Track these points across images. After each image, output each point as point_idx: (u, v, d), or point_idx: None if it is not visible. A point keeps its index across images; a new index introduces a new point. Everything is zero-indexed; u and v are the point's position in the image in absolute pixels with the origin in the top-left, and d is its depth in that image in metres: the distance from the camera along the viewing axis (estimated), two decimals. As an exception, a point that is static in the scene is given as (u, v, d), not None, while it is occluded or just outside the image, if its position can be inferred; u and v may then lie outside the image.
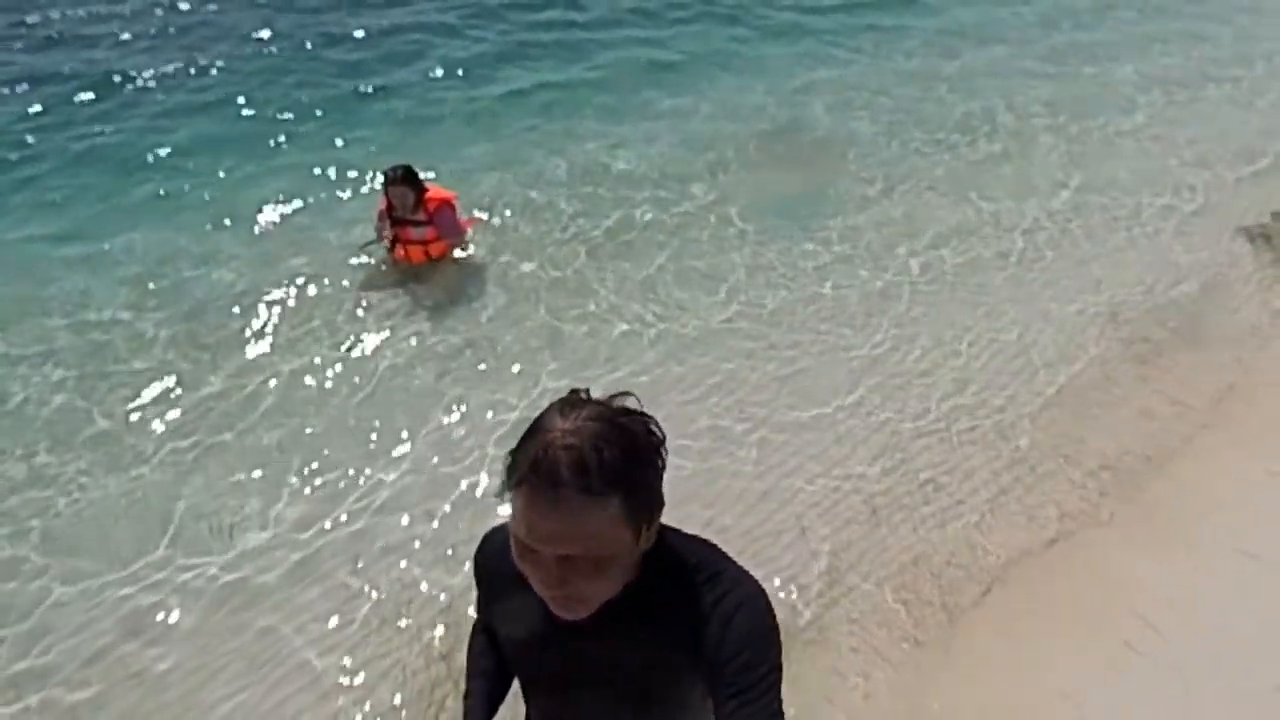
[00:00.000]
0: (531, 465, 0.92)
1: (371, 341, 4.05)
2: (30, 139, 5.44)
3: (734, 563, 1.13)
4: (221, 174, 5.26)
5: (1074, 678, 2.58)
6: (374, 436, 3.52)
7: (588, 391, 1.00)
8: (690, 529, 1.17)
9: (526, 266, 4.53)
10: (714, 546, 1.16)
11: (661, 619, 1.07)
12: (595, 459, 0.91)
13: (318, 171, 5.32)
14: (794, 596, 2.87)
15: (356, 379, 3.82)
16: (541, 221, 4.86)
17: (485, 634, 1.39)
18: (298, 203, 5.00)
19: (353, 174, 5.24)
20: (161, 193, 5.04)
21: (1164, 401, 3.66)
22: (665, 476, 1.02)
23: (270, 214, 4.90)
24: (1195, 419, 3.57)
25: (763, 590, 1.10)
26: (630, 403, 1.00)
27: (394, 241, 4.40)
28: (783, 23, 7.58)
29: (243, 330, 4.08)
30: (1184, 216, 5.04)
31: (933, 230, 4.82)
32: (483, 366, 3.89)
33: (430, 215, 4.33)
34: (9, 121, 5.65)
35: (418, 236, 4.38)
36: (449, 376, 3.84)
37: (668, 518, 1.07)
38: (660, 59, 6.81)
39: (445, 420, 3.60)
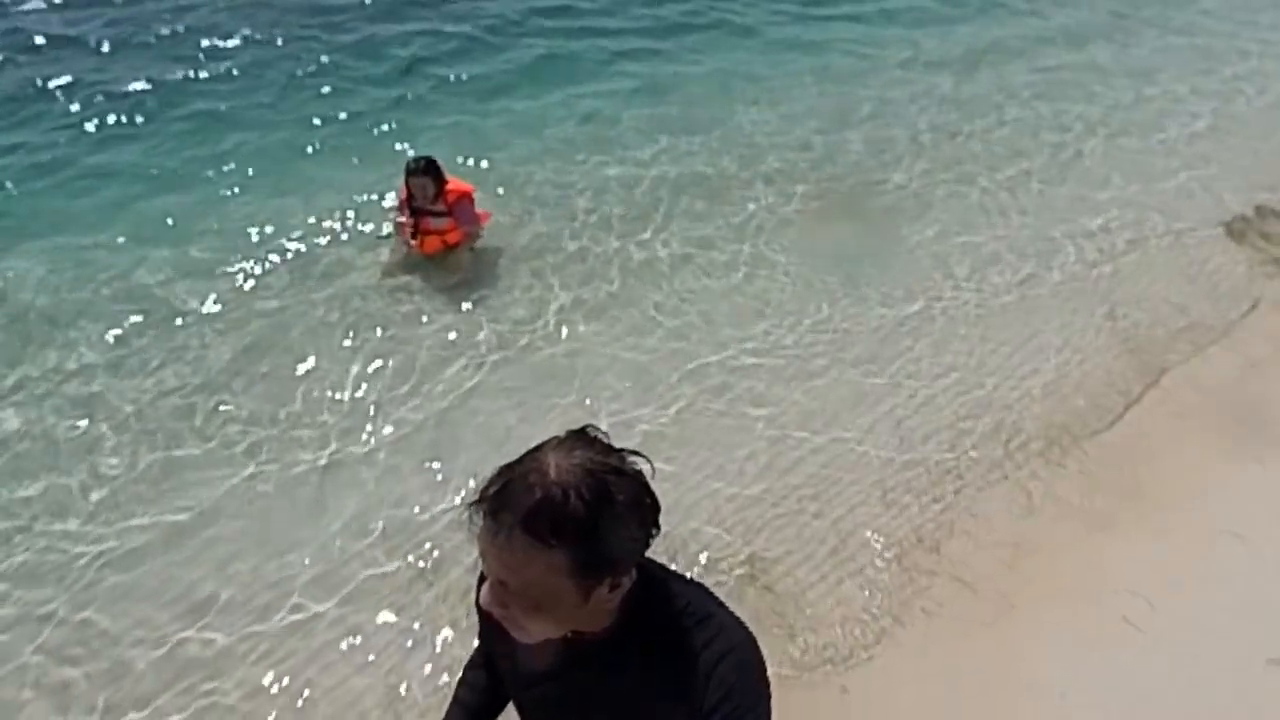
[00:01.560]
0: (497, 489, 0.91)
1: (385, 329, 4.15)
2: (45, 151, 5.40)
3: (724, 607, 1.11)
4: (248, 170, 5.31)
5: (1074, 650, 2.75)
6: (385, 420, 3.64)
7: (604, 435, 0.97)
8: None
9: (541, 262, 4.63)
10: (705, 589, 1.14)
11: (647, 662, 1.05)
12: (553, 506, 0.88)
13: (338, 167, 5.39)
14: (802, 566, 3.05)
15: (370, 364, 3.93)
16: (557, 222, 4.94)
17: (481, 667, 1.40)
18: (319, 193, 5.07)
19: (370, 172, 5.28)
20: (188, 193, 5.08)
21: (1158, 393, 3.85)
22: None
23: (291, 203, 4.96)
24: (1186, 410, 3.76)
25: (752, 637, 1.09)
26: (641, 465, 0.96)
27: (413, 231, 4.48)
28: (799, 35, 7.53)
29: (259, 321, 4.16)
30: (1185, 226, 5.19)
31: (957, 242, 4.94)
32: (493, 357, 4.00)
33: (450, 206, 4.42)
34: (31, 132, 5.60)
35: (436, 227, 4.47)
36: (461, 365, 3.95)
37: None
38: (669, 73, 6.79)
39: (452, 402, 3.73)
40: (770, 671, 1.08)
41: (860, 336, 4.20)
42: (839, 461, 3.49)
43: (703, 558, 3.04)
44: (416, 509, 3.27)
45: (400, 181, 4.42)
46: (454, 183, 4.45)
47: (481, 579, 1.20)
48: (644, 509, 0.95)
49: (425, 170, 4.30)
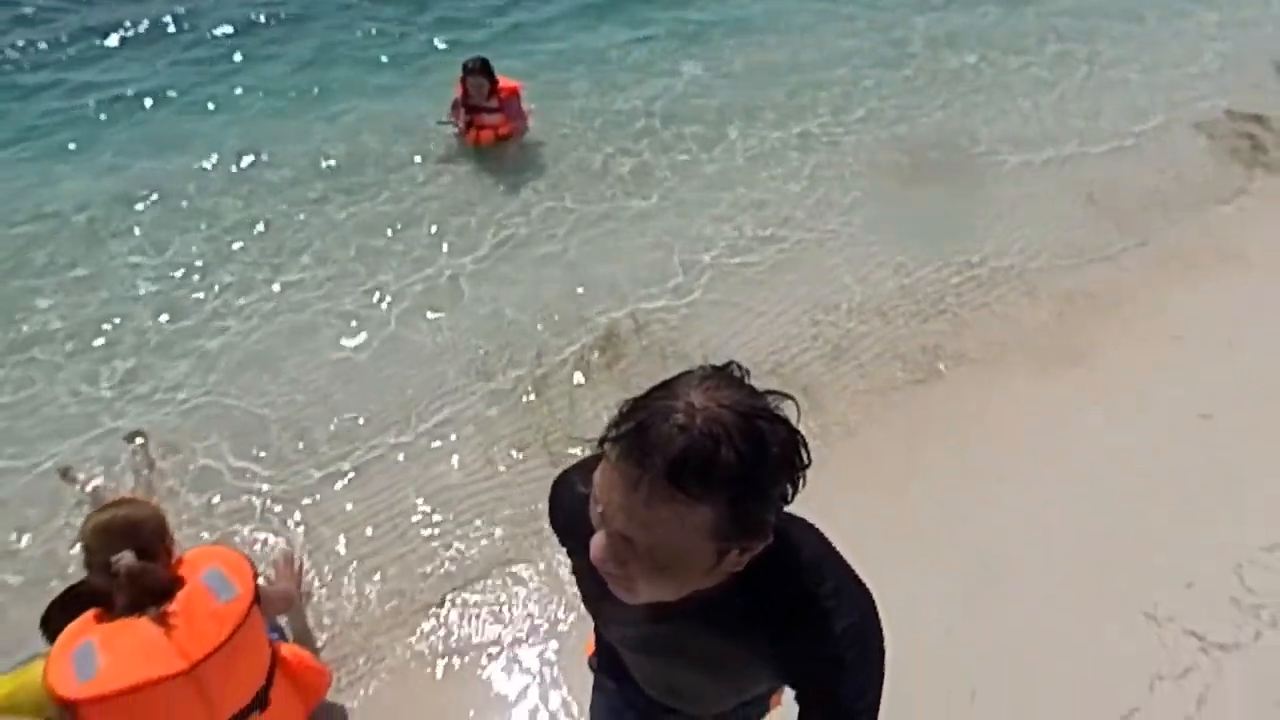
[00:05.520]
0: (634, 429, 0.79)
1: (445, 208, 4.76)
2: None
3: (847, 568, 1.00)
4: (331, 88, 5.94)
5: (1039, 408, 3.41)
6: (445, 281, 4.24)
7: (746, 373, 0.85)
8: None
9: (579, 154, 5.22)
10: (828, 545, 1.02)
11: (758, 624, 0.96)
12: (704, 454, 0.76)
13: (400, 68, 6.09)
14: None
15: (431, 239, 4.53)
16: (599, 125, 5.50)
17: None
18: (382, 93, 5.75)
19: (425, 73, 5.97)
20: (286, 104, 5.74)
21: (1134, 250, 4.44)
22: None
23: (359, 104, 5.64)
24: (1150, 259, 4.38)
25: (874, 606, 0.98)
26: (788, 409, 0.84)
27: (467, 126, 5.08)
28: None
29: (337, 206, 4.78)
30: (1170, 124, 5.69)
31: (975, 131, 5.51)
32: (534, 228, 4.62)
33: (501, 103, 5.02)
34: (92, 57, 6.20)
35: (489, 121, 5.07)
36: (509, 240, 4.55)
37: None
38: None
39: (499, 275, 4.31)
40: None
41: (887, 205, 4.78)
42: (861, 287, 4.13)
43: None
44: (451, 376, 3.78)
45: (456, 81, 5.02)
46: (504, 81, 5.04)
47: (552, 501, 1.16)
48: (796, 461, 0.82)
49: (480, 70, 4.89)
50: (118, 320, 3.96)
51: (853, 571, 1.00)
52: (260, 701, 2.03)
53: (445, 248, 4.45)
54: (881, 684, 0.96)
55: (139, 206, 4.73)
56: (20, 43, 6.30)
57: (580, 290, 4.15)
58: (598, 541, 0.85)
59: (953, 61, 6.38)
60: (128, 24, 6.57)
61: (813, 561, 0.98)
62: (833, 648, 0.94)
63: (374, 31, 6.65)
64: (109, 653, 1.76)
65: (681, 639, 1.03)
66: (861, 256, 4.34)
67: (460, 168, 5.07)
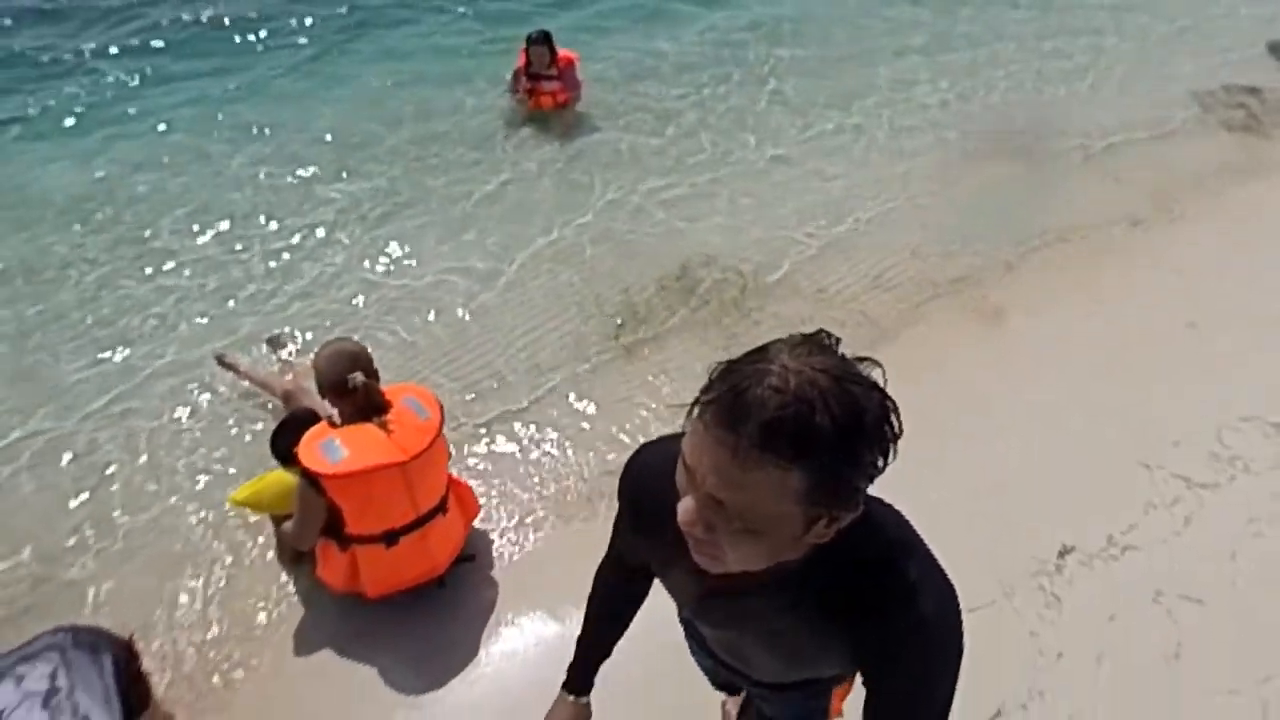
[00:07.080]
0: (729, 391, 0.78)
1: (510, 162, 5.32)
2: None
3: (933, 560, 0.98)
4: (412, 71, 6.50)
5: (1048, 331, 3.94)
6: (502, 229, 4.74)
7: (836, 340, 0.84)
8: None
9: (624, 120, 5.79)
10: (915, 534, 1.00)
11: (830, 599, 0.96)
12: (799, 417, 0.75)
13: (463, 58, 6.65)
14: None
15: (498, 188, 5.08)
16: (646, 96, 6.10)
17: (616, 567, 1.34)
18: (449, 80, 6.30)
19: (487, 58, 6.53)
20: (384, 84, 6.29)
21: (1138, 188, 5.04)
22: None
23: (430, 91, 6.17)
24: (1156, 217, 4.93)
25: (956, 601, 0.96)
26: (876, 375, 0.82)
27: (529, 92, 5.62)
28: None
29: (412, 158, 5.37)
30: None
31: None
32: (586, 179, 5.17)
33: (560, 71, 5.55)
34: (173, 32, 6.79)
35: (549, 89, 5.61)
36: (566, 186, 5.12)
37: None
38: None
39: (557, 218, 4.83)
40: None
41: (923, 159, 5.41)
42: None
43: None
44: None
45: (519, 51, 5.56)
46: (562, 51, 5.58)
47: (628, 472, 1.16)
48: (889, 431, 0.81)
49: (543, 41, 5.44)
50: (251, 273, 4.38)
51: (938, 565, 0.98)
52: (442, 505, 2.57)
53: (536, 213, 4.89)
54: (955, 684, 0.95)
55: (249, 185, 5.13)
56: (103, 41, 6.76)
57: (664, 242, 4.65)
58: (687, 505, 0.85)
59: (989, 49, 6.99)
60: (214, 20, 7.15)
61: (899, 548, 0.97)
62: (906, 637, 0.93)
63: (437, 25, 7.27)
64: (348, 445, 2.30)
65: (744, 613, 1.04)
66: (910, 220, 4.83)
67: (527, 137, 5.56)
